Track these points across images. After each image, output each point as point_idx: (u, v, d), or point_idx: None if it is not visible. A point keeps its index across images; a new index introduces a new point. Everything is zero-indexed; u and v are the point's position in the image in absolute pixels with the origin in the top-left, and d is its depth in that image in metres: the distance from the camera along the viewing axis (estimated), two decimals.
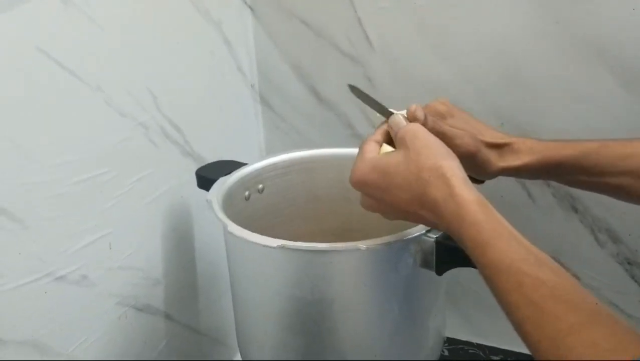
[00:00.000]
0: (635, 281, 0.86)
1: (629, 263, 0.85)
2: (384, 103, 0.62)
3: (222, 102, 0.92)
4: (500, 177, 0.89)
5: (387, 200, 0.56)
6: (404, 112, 0.60)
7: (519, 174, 0.65)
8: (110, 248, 0.73)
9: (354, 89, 0.63)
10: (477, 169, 0.64)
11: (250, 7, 0.95)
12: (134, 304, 0.78)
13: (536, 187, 0.87)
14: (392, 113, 0.60)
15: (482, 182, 0.67)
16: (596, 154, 0.62)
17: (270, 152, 1.01)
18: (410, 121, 0.59)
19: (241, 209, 0.75)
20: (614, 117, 0.80)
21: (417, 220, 0.56)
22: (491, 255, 0.48)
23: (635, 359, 0.39)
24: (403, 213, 0.56)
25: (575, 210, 0.86)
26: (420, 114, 0.59)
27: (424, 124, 0.58)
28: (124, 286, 0.76)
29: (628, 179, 0.61)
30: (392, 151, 0.57)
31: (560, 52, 0.80)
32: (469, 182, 0.52)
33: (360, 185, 0.57)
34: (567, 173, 0.64)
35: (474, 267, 0.59)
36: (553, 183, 0.86)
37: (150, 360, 0.82)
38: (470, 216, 0.49)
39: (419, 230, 0.62)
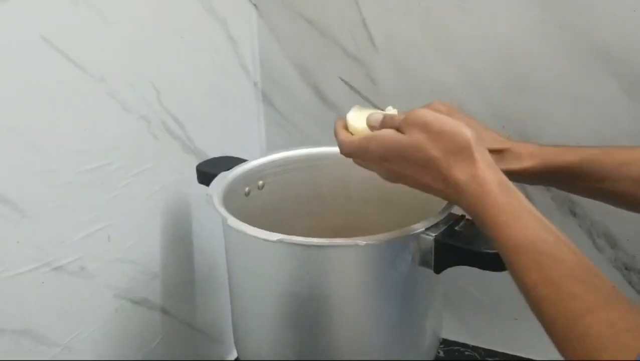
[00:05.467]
0: (633, 286, 0.86)
1: (626, 268, 0.85)
2: (386, 104, 0.63)
3: (224, 99, 0.93)
4: None
5: (408, 175, 0.57)
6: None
7: (519, 178, 0.65)
8: (109, 240, 0.73)
9: None
10: None
11: (255, 5, 0.95)
12: (131, 297, 0.78)
13: (535, 190, 0.87)
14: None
15: None
16: (598, 161, 0.63)
17: (271, 149, 1.01)
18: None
19: (241, 205, 0.75)
20: (618, 122, 0.80)
21: (439, 196, 0.57)
22: (510, 235, 0.49)
23: None
24: (426, 188, 0.57)
25: (573, 214, 0.86)
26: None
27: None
28: (121, 278, 0.76)
29: (629, 186, 0.61)
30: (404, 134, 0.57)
31: (565, 57, 0.80)
32: (492, 162, 0.53)
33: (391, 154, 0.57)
34: (568, 179, 0.64)
35: (472, 265, 0.60)
36: None
37: (146, 353, 0.82)
38: (491, 198, 0.50)
39: (418, 227, 0.62)
